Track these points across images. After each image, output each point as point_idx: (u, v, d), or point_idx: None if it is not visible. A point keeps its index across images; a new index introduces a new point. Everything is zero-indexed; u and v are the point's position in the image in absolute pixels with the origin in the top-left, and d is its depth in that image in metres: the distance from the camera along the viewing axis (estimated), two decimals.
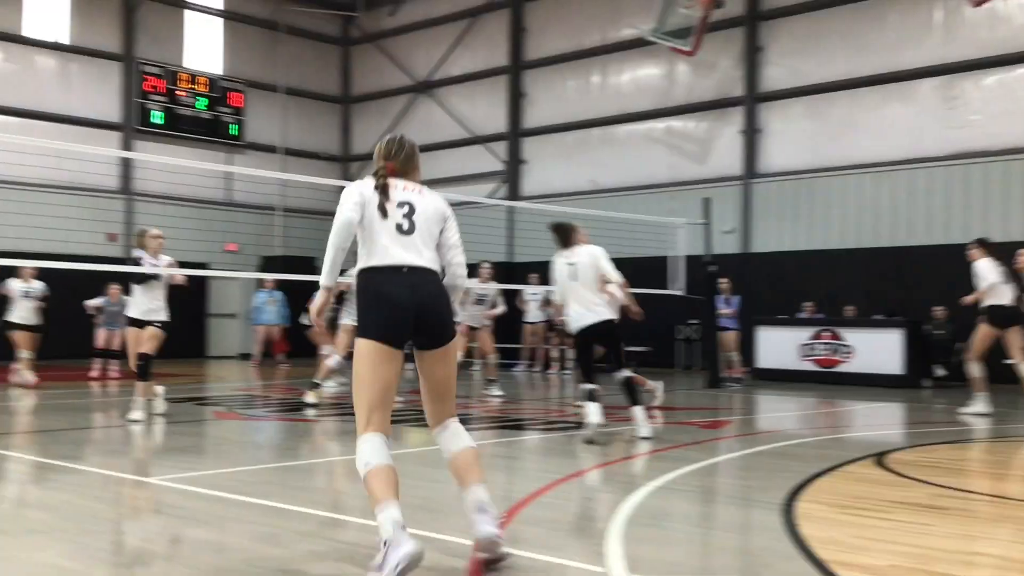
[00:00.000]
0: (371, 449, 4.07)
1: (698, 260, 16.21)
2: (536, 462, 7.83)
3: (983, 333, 11.05)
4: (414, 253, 4.26)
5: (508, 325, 21.12)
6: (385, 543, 3.79)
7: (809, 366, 16.54)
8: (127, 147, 22.65)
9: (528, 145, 23.56)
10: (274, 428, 9.72)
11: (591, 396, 8.20)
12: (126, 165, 22.58)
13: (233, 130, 24.44)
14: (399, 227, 4.27)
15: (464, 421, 4.57)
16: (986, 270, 10.94)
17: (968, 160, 17.16)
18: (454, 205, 4.73)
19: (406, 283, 4.20)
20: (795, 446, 8.42)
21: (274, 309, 20.15)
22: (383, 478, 4.00)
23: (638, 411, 8.36)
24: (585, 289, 8.39)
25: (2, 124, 20.77)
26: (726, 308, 15.64)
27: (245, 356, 22.76)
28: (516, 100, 23.57)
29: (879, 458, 7.50)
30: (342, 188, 4.51)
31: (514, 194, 23.30)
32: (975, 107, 17.25)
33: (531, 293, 18.99)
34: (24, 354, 13.89)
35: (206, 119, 23.95)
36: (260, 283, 20.79)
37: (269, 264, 24.04)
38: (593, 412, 8.11)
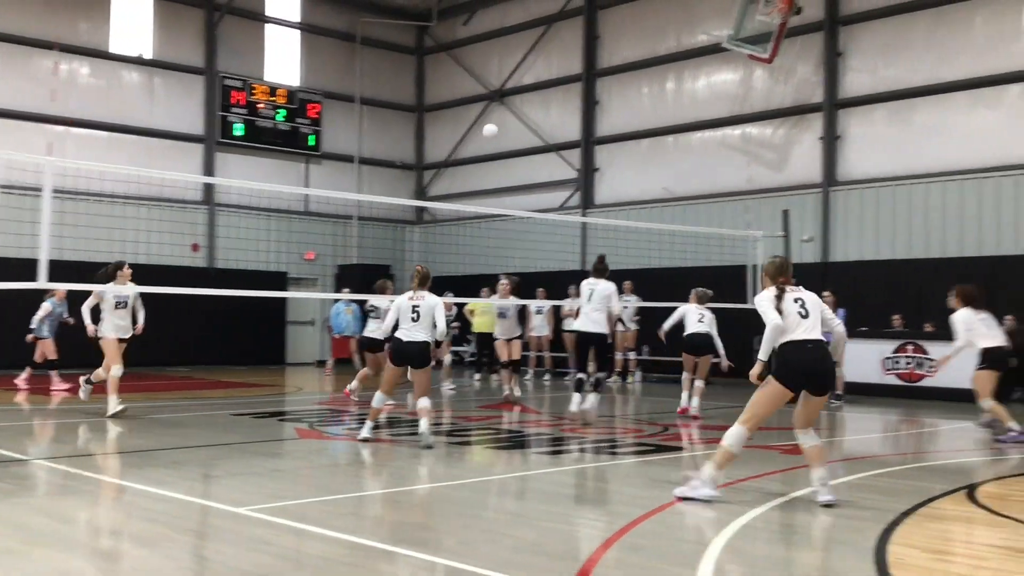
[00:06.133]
0: None
1: None
2: (613, 492, 7.78)
3: None
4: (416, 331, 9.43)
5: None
6: None
7: (892, 380, 16.19)
8: (209, 159, 23.21)
9: (601, 153, 23.47)
10: (355, 449, 9.72)
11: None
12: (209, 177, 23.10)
13: (311, 140, 24.86)
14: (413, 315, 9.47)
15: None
16: None
17: None
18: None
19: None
20: (882, 476, 8.22)
21: (350, 318, 20.39)
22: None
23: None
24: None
25: (90, 138, 21.46)
26: None
27: (321, 363, 23.18)
28: (590, 107, 23.50)
29: (970, 492, 7.34)
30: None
31: (588, 202, 23.24)
32: None
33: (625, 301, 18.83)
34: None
35: (285, 130, 24.40)
36: (338, 292, 21.12)
37: (345, 272, 24.41)
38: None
